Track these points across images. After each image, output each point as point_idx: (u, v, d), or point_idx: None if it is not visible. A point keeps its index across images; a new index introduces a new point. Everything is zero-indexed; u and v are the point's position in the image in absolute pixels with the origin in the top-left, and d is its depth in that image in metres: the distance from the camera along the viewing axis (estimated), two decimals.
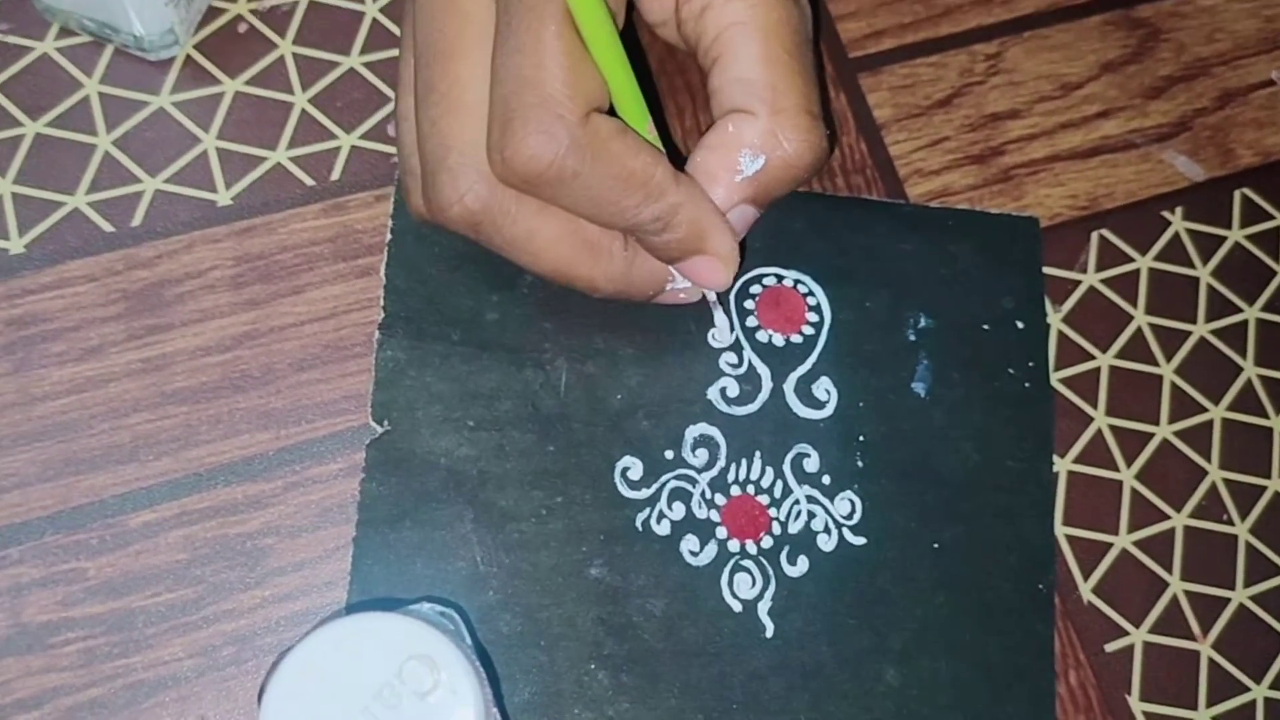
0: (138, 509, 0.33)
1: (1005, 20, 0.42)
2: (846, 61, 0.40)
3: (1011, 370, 0.37)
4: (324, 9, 0.39)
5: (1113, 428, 0.37)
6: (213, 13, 0.38)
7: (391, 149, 0.37)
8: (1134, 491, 0.36)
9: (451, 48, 0.30)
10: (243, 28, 0.38)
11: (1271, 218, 0.40)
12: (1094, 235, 0.39)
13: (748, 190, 0.32)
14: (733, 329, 0.36)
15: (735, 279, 0.36)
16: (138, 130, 0.36)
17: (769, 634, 0.34)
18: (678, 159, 0.32)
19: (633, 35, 0.33)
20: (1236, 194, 0.40)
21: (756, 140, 0.32)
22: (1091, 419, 0.37)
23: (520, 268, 0.32)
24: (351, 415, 0.34)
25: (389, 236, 0.36)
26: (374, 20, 0.39)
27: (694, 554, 0.34)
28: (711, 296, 0.35)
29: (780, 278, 0.37)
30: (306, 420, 0.34)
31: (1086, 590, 0.35)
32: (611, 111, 0.31)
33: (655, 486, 0.34)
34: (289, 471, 0.33)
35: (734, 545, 0.34)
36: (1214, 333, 0.38)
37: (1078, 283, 0.39)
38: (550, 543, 0.33)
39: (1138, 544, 0.36)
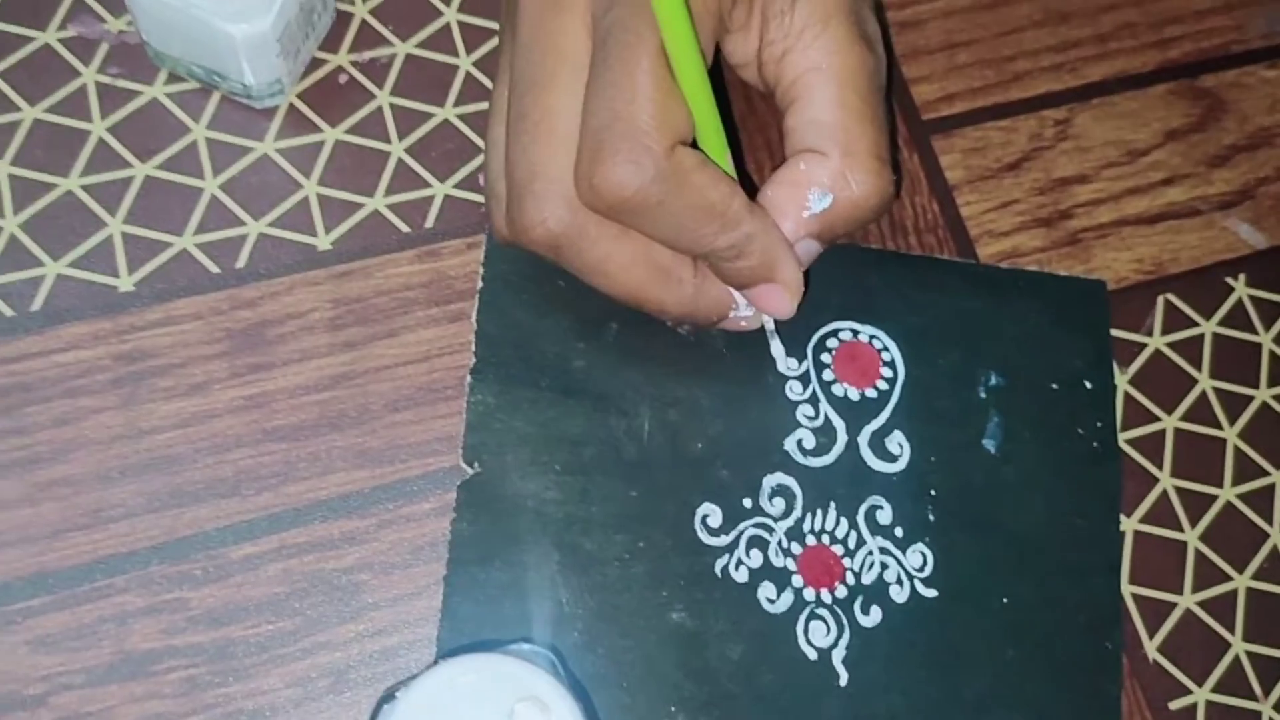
0: (239, 542, 0.34)
1: (1074, 87, 0.43)
2: (920, 123, 0.42)
3: (1080, 430, 0.38)
4: (420, 62, 0.40)
5: (1178, 489, 0.38)
6: (315, 63, 0.40)
7: (483, 199, 0.38)
8: (1198, 552, 0.37)
9: (548, 80, 0.32)
10: (343, 78, 0.40)
11: None
12: (1160, 299, 0.40)
13: (814, 226, 0.34)
14: (799, 361, 0.37)
15: (811, 334, 0.37)
16: (243, 175, 0.38)
17: (843, 683, 0.34)
18: (750, 192, 0.34)
19: (717, 71, 0.34)
20: None
21: (826, 180, 0.34)
22: (1157, 480, 0.38)
23: (594, 290, 0.34)
24: (443, 456, 0.35)
25: (480, 284, 0.37)
26: (468, 73, 0.40)
27: (771, 601, 0.35)
28: (770, 325, 0.36)
29: (856, 333, 0.38)
30: (400, 460, 0.35)
31: (1152, 649, 0.36)
32: (694, 144, 0.32)
33: (734, 534, 0.35)
34: (383, 509, 0.35)
35: (809, 594, 0.35)
36: (1276, 398, 0.39)
37: (1143, 345, 0.40)
38: (633, 586, 0.35)
39: (1201, 604, 0.37)
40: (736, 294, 0.35)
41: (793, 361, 0.37)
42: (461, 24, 0.41)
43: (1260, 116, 0.43)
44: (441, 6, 0.41)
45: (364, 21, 0.40)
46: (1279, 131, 0.43)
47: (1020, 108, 0.42)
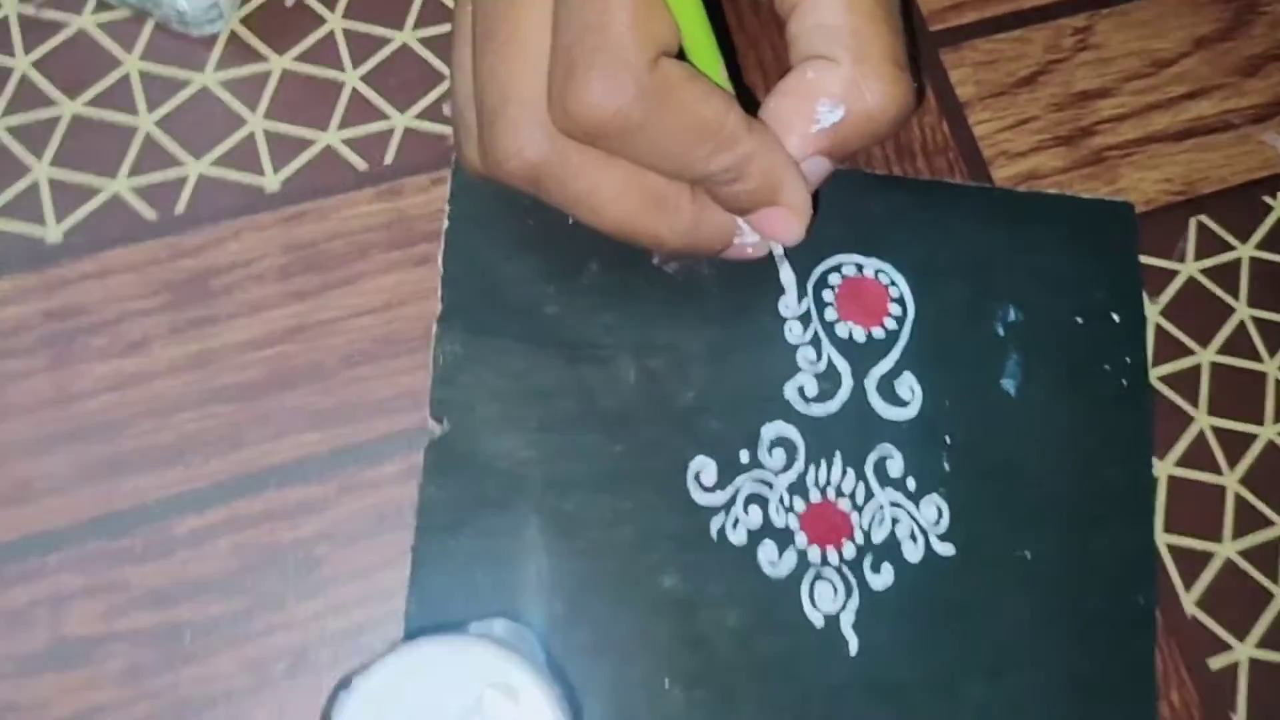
0: (184, 514, 0.31)
1: None
2: (926, 35, 0.38)
3: (1107, 367, 0.34)
4: None
5: (1215, 429, 0.35)
6: None
7: (448, 130, 0.35)
8: (1238, 497, 0.34)
9: None
10: (290, 1, 0.36)
11: None
12: (1192, 222, 0.37)
13: (824, 142, 0.30)
14: (799, 300, 0.34)
15: (811, 270, 0.34)
16: (180, 111, 0.34)
17: (853, 650, 0.31)
18: (751, 106, 0.30)
19: None
20: None
21: (837, 89, 0.30)
22: (1192, 419, 0.35)
23: (583, 224, 0.31)
24: (408, 414, 0.32)
25: (446, 223, 0.34)
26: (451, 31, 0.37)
27: (772, 563, 0.32)
28: (778, 251, 0.33)
29: (860, 267, 0.35)
30: (360, 419, 0.32)
31: (1189, 603, 0.33)
32: (682, 55, 0.29)
33: (730, 490, 0.32)
34: (343, 474, 0.32)
35: (814, 554, 0.32)
36: None
37: (1175, 273, 0.36)
38: (620, 550, 0.31)
39: (1243, 553, 0.34)
40: (740, 221, 0.31)
41: (793, 301, 0.34)
42: None
43: None
44: None
45: None
46: None
47: (1035, 16, 0.39)
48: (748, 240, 0.32)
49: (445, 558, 0.31)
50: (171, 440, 0.31)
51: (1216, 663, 0.33)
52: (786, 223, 0.30)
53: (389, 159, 0.35)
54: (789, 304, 0.34)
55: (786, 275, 0.33)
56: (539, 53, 0.28)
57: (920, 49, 0.38)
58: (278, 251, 0.33)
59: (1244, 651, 0.33)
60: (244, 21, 0.35)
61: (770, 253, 0.33)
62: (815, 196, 0.31)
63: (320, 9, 0.36)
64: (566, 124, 0.27)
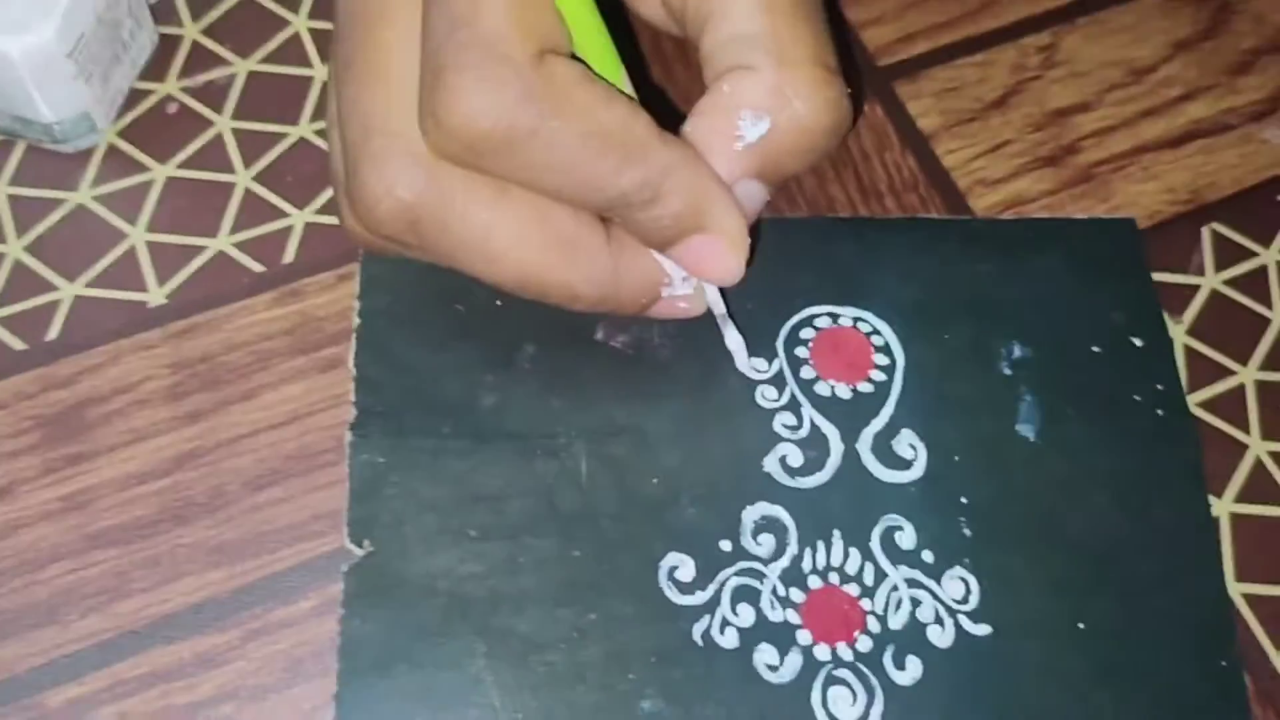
0: (59, 683, 0.25)
1: (1053, 8, 0.36)
2: (877, 71, 0.34)
3: (1138, 397, 0.30)
4: (266, 79, 0.33)
5: (1274, 454, 0.29)
6: (137, 95, 0.33)
7: None
8: None
9: (375, 12, 0.24)
10: (173, 108, 0.33)
11: None
12: (1204, 231, 0.32)
13: (752, 161, 0.26)
14: (769, 361, 0.29)
15: (780, 325, 0.30)
16: (53, 232, 0.31)
17: None
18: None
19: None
20: None
21: (760, 99, 0.25)
22: (1246, 446, 0.30)
23: (479, 281, 0.26)
24: (324, 539, 0.27)
25: (357, 320, 0.29)
26: (324, 84, 0.33)
27: (773, 668, 0.26)
28: (719, 307, 0.28)
29: (835, 317, 0.30)
30: (268, 550, 0.27)
31: None
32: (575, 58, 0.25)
33: (713, 588, 0.27)
34: (249, 616, 0.26)
35: (823, 652, 0.27)
36: None
37: (1196, 287, 0.32)
38: (588, 674, 0.26)
39: None
40: (667, 264, 0.27)
41: (760, 362, 0.29)
42: (314, 31, 0.34)
43: (1277, 14, 0.36)
44: (289, 15, 0.34)
45: (195, 42, 0.34)
46: None
47: (994, 39, 0.35)
48: (679, 291, 0.27)
49: (376, 703, 0.25)
50: (43, 598, 0.26)
51: None
52: (719, 254, 0.26)
53: (288, 258, 0.31)
54: (741, 364, 0.29)
55: (732, 338, 0.29)
56: (405, 74, 0.24)
57: (863, 80, 0.34)
58: (165, 371, 0.29)
59: None
60: (122, 133, 0.32)
61: (709, 310, 0.28)
62: (754, 234, 0.27)
63: (206, 112, 0.33)
64: (442, 142, 0.23)
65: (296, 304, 0.30)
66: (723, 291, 0.28)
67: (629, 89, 0.26)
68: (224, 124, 0.33)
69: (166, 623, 0.26)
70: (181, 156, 0.32)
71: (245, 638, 0.26)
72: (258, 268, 0.30)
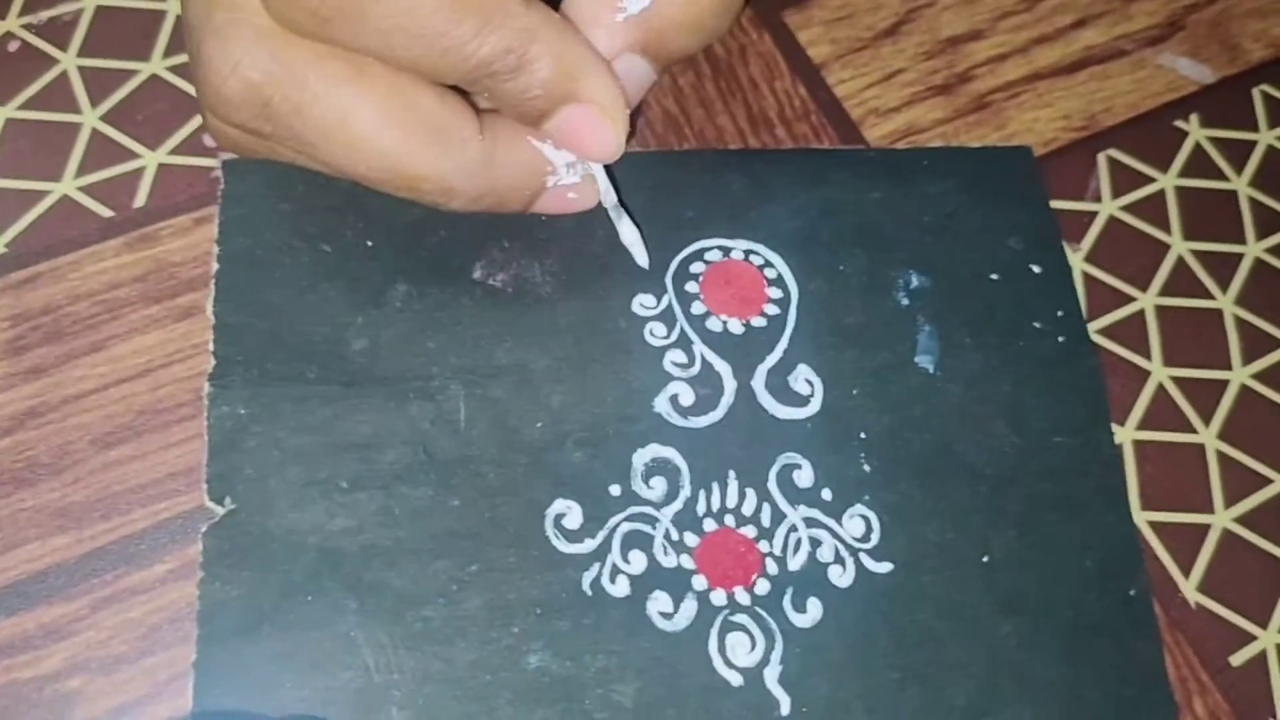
0: None
1: None
2: None
3: (1038, 324, 0.29)
4: (115, 13, 0.31)
5: (1176, 379, 0.29)
6: None
7: (212, 161, 0.29)
8: (1221, 455, 0.28)
9: None
10: (13, 45, 0.30)
11: None
12: (1101, 157, 0.32)
13: (634, 34, 0.25)
14: (657, 297, 0.28)
15: (669, 260, 0.28)
16: None
17: (784, 711, 0.24)
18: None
19: None
20: (1255, 92, 0.33)
21: None
22: (1148, 373, 0.29)
23: (342, 176, 0.24)
24: (181, 497, 0.25)
25: (216, 265, 0.27)
26: (177, 18, 0.31)
27: (667, 616, 0.25)
28: (610, 198, 0.27)
29: (726, 250, 0.29)
30: (120, 512, 0.25)
31: (1190, 589, 0.27)
32: None
33: (602, 534, 0.26)
34: (98, 583, 0.24)
35: (719, 597, 0.25)
36: (1271, 251, 0.31)
37: (1094, 214, 0.31)
38: (469, 629, 0.24)
39: (1241, 520, 0.27)
40: (548, 150, 0.25)
41: (649, 299, 0.28)
42: None
43: None
44: None
45: None
46: None
47: None
48: (565, 180, 0.26)
49: (239, 670, 0.23)
50: None
51: (1240, 658, 0.26)
52: (596, 127, 0.24)
53: (140, 201, 0.28)
54: (641, 260, 0.28)
55: (627, 230, 0.27)
56: None
57: (760, 14, 0.33)
58: (5, 324, 0.27)
59: (1270, 638, 0.26)
60: None
61: (601, 204, 0.27)
62: (634, 117, 0.25)
63: (50, 49, 0.30)
64: (284, 7, 0.21)
65: (149, 250, 0.28)
66: (616, 187, 0.27)
67: None
68: (69, 61, 0.30)
69: (9, 592, 0.24)
70: (22, 98, 0.30)
71: (95, 606, 0.24)
72: (106, 213, 0.28)
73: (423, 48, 0.22)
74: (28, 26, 0.31)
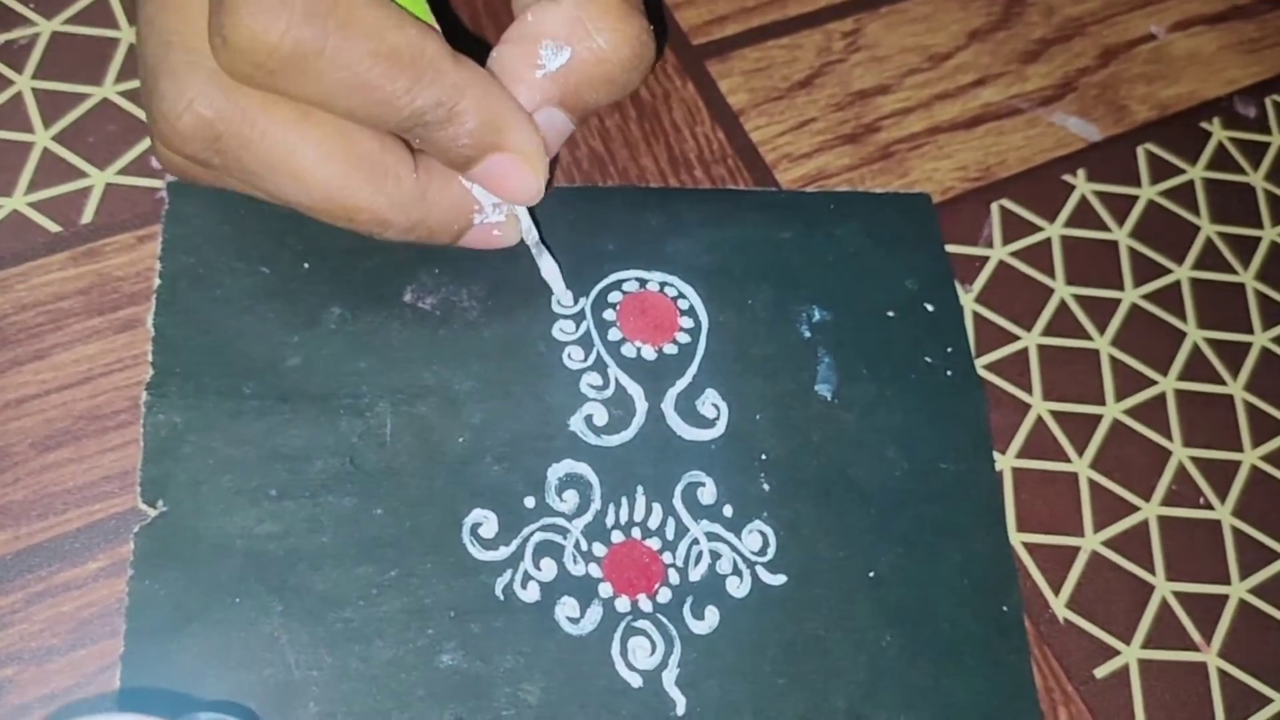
0: None
1: None
2: (690, 49, 0.35)
3: (929, 359, 0.31)
4: (70, 39, 0.32)
5: (1055, 413, 0.31)
6: None
7: (158, 182, 0.31)
8: (1093, 483, 0.30)
9: None
10: None
11: (1181, 171, 0.36)
12: (994, 206, 0.34)
13: (552, 88, 0.27)
14: (576, 324, 0.30)
15: (589, 289, 0.30)
16: None
17: (680, 711, 0.26)
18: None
19: None
20: (1140, 151, 0.36)
21: (560, 29, 0.26)
22: (1029, 406, 0.31)
23: (284, 205, 0.26)
24: (115, 499, 0.27)
25: (157, 281, 0.29)
26: (129, 46, 0.33)
27: (574, 620, 0.27)
28: (532, 235, 0.29)
29: (643, 281, 0.31)
30: (55, 512, 0.26)
31: (1059, 606, 0.29)
32: None
33: (516, 543, 0.27)
34: (33, 579, 0.26)
35: (623, 604, 0.27)
36: (1146, 297, 0.33)
37: (986, 258, 0.33)
38: (386, 629, 0.26)
39: (1108, 543, 0.30)
40: (477, 191, 0.27)
41: (569, 324, 0.30)
42: None
43: (1067, 7, 0.38)
44: None
45: None
46: (1090, 20, 0.38)
47: (801, 24, 0.37)
48: (490, 219, 0.28)
49: (164, 664, 0.25)
50: None
51: (1103, 670, 0.28)
52: (519, 173, 0.26)
53: (87, 218, 0.30)
54: (562, 299, 0.30)
55: (548, 266, 0.29)
56: None
57: (685, 64, 0.35)
58: None
59: (1131, 653, 0.28)
60: None
61: (524, 241, 0.29)
62: (552, 166, 0.28)
63: (6, 71, 0.32)
64: (231, 61, 0.23)
65: (94, 264, 0.29)
66: (538, 225, 0.29)
67: (431, 20, 0.26)
68: (24, 83, 0.32)
69: None
70: None
71: (28, 600, 0.25)
72: (54, 228, 0.30)
73: (360, 99, 0.24)
74: None
